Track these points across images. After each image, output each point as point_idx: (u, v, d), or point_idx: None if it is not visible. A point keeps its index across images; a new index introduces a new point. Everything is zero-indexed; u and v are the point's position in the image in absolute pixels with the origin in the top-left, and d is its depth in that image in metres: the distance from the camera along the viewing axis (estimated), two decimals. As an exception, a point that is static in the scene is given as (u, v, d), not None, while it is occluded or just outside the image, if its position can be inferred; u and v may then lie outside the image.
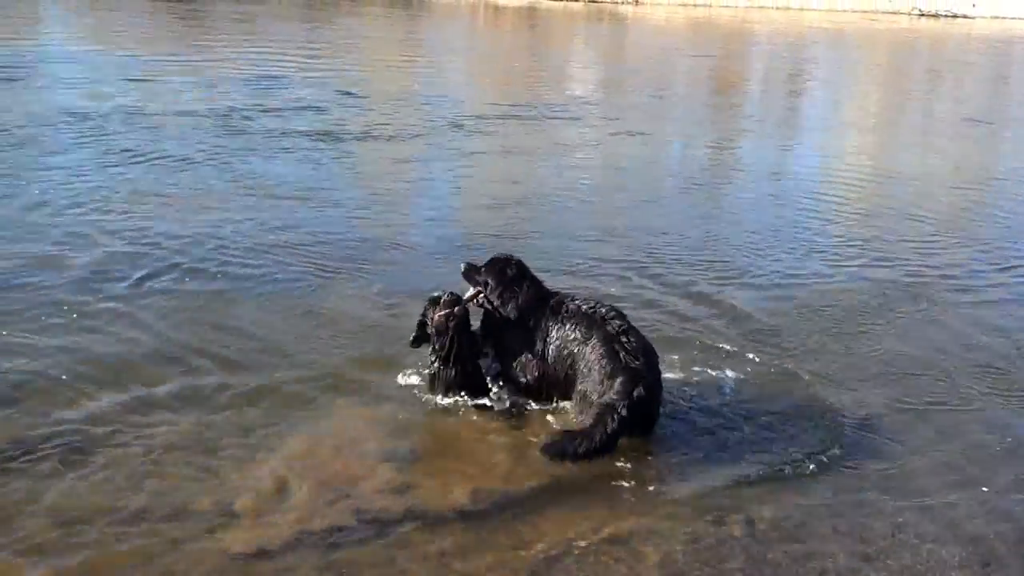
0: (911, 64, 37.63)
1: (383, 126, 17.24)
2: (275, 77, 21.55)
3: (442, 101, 20.17)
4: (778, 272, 10.60)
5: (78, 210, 11.26)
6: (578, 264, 10.34)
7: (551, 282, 7.56)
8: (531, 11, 48.02)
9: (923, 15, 55.85)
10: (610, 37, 41.12)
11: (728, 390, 7.59)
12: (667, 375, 7.10)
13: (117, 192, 12.12)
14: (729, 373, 7.80)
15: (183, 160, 13.87)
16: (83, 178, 12.64)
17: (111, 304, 8.59)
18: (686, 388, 7.53)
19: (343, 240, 10.80)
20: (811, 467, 6.57)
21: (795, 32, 44.67)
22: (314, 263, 9.98)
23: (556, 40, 38.51)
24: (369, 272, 9.80)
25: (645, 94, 23.99)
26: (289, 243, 10.53)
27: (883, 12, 55.70)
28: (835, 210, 13.63)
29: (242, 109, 17.63)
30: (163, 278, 9.30)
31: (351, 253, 10.37)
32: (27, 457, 6.14)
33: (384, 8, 42.97)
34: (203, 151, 14.45)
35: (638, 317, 7.80)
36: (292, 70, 22.83)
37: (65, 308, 8.38)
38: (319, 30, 33.29)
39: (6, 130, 14.96)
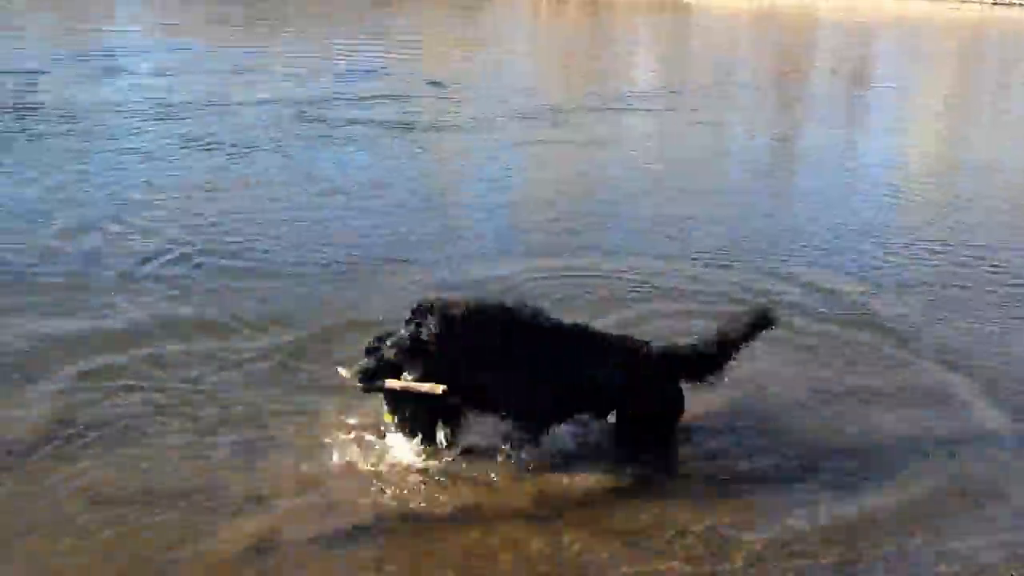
0: (985, 53, 36.66)
1: (455, 116, 17.24)
2: (353, 69, 21.69)
3: (512, 91, 20.15)
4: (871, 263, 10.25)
5: (142, 195, 11.39)
6: (649, 256, 10.10)
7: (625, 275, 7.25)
8: (593, 1, 47.66)
9: (996, 3, 54.47)
10: (674, 27, 40.65)
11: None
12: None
13: (182, 177, 12.28)
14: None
15: (251, 148, 14.00)
16: (152, 163, 12.86)
17: (158, 285, 8.67)
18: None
19: (398, 230, 10.65)
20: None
21: (863, 21, 43.81)
22: (365, 252, 9.87)
23: (620, 30, 38.15)
24: (422, 262, 9.63)
25: (712, 84, 23.65)
26: (340, 232, 10.47)
27: (955, 0, 54.42)
28: (911, 200, 13.18)
29: (320, 99, 17.73)
30: (207, 261, 9.33)
31: (404, 243, 10.24)
32: (70, 434, 6.19)
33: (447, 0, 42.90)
34: (273, 139, 14.57)
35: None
36: (370, 62, 22.96)
37: (114, 287, 8.51)
38: (391, 21, 33.35)
39: (86, 117, 15.33)
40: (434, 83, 20.24)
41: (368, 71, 21.45)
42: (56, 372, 6.93)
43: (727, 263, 9.97)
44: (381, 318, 7.37)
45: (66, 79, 18.62)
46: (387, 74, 21.26)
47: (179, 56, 22.54)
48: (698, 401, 6.56)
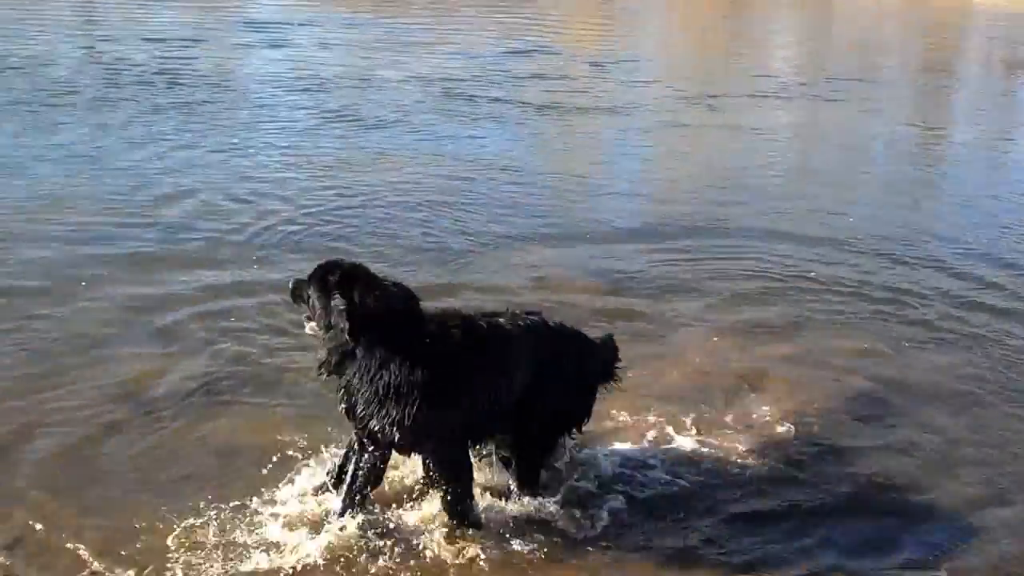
0: None
1: (604, 97, 17.18)
2: (509, 48, 21.77)
3: (662, 74, 20.23)
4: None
5: (277, 165, 11.68)
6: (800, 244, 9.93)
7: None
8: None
9: None
10: (815, 14, 39.58)
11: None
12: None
13: (319, 150, 12.54)
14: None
15: (391, 124, 14.18)
16: (291, 135, 13.19)
17: (290, 254, 8.81)
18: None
19: (515, 211, 10.64)
20: None
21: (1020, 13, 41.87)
22: (476, 231, 9.84)
23: (760, 16, 37.36)
24: (532, 245, 9.58)
25: (858, 73, 22.94)
26: (457, 208, 10.48)
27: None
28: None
29: (470, 78, 17.89)
30: (332, 231, 9.50)
31: (519, 223, 10.21)
32: (202, 393, 6.36)
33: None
34: (414, 116, 14.72)
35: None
36: (526, 41, 23.06)
37: (245, 253, 8.76)
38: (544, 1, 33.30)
39: (234, 86, 15.89)
40: (592, 64, 20.30)
41: (523, 51, 21.54)
42: (192, 333, 7.18)
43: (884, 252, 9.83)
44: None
45: (216, 49, 19.22)
46: (542, 53, 21.32)
47: (330, 30, 22.98)
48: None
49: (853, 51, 27.47)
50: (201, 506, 5.12)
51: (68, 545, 4.80)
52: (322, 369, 4.90)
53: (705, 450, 6.05)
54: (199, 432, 5.95)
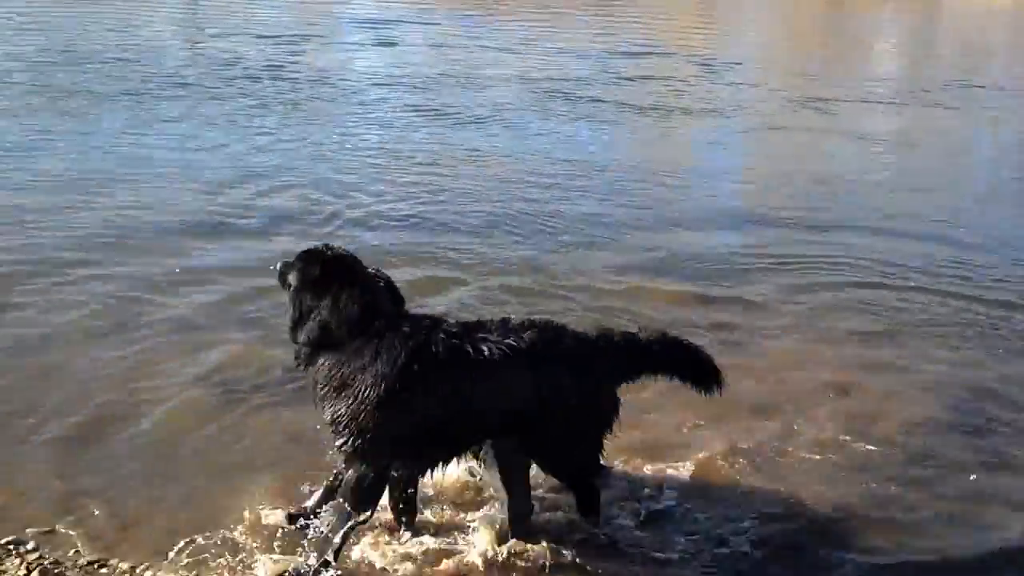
0: None
1: (708, 99, 17.03)
2: (619, 48, 21.76)
3: (772, 76, 19.93)
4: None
5: (372, 160, 11.80)
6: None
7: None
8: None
9: None
10: (922, 14, 38.57)
11: None
12: None
13: (412, 146, 12.62)
14: None
15: (487, 122, 14.23)
16: (388, 131, 13.34)
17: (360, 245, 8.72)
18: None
19: (607, 211, 10.51)
20: None
21: None
22: (564, 228, 9.78)
23: (860, 15, 36.57)
24: (621, 246, 9.47)
25: (965, 78, 22.27)
26: (547, 207, 10.39)
27: None
28: None
29: (576, 78, 17.85)
30: (408, 225, 9.55)
31: (610, 224, 10.08)
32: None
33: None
34: (512, 116, 14.73)
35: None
36: (638, 41, 23.06)
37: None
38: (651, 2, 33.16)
39: (337, 83, 16.16)
40: (697, 64, 20.18)
41: (629, 51, 21.49)
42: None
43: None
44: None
45: (324, 46, 19.61)
46: (648, 54, 21.25)
47: (440, 29, 23.22)
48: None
49: (964, 54, 26.65)
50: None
51: (159, 524, 4.91)
52: (299, 361, 4.68)
53: (782, 461, 5.87)
54: (279, 418, 6.00)
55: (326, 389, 4.51)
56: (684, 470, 5.61)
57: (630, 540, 4.97)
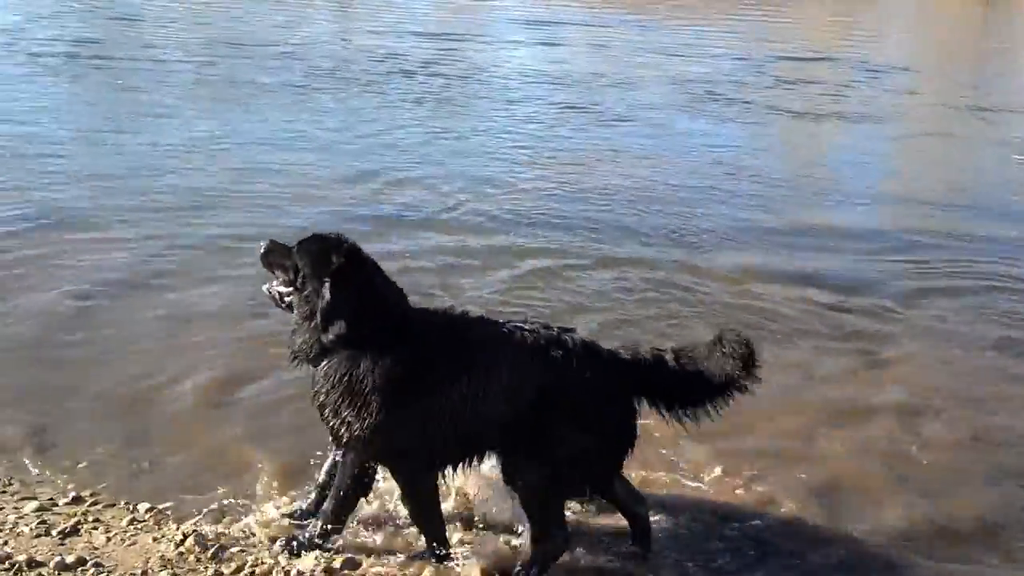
0: None
1: (862, 105, 16.56)
2: (782, 53, 21.40)
3: (921, 80, 19.37)
4: None
5: (504, 158, 11.87)
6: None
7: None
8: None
9: None
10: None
11: None
12: None
13: (559, 145, 12.68)
14: None
15: (635, 121, 14.25)
16: (536, 129, 13.41)
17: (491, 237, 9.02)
18: None
19: (746, 213, 10.37)
20: None
21: None
22: (701, 230, 9.67)
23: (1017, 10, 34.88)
24: (757, 249, 9.32)
25: None
26: (685, 207, 10.31)
27: None
28: None
29: (733, 80, 17.67)
30: (541, 220, 9.57)
31: (748, 226, 9.93)
32: None
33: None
34: (658, 115, 14.70)
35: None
36: (801, 45, 22.69)
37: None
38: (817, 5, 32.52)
39: (487, 83, 16.37)
40: (856, 68, 19.76)
41: (785, 55, 21.08)
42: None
43: None
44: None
45: (481, 45, 19.93)
46: (804, 59, 20.84)
47: (598, 31, 23.27)
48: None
49: None
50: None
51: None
52: (297, 358, 4.44)
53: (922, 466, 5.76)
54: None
55: (335, 385, 4.28)
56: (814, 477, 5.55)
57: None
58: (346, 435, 4.31)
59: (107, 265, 7.75)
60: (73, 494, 4.85)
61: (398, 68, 16.66)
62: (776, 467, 5.59)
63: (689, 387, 4.50)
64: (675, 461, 5.53)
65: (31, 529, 4.51)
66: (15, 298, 7.07)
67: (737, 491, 5.33)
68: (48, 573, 4.20)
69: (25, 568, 4.20)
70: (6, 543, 4.35)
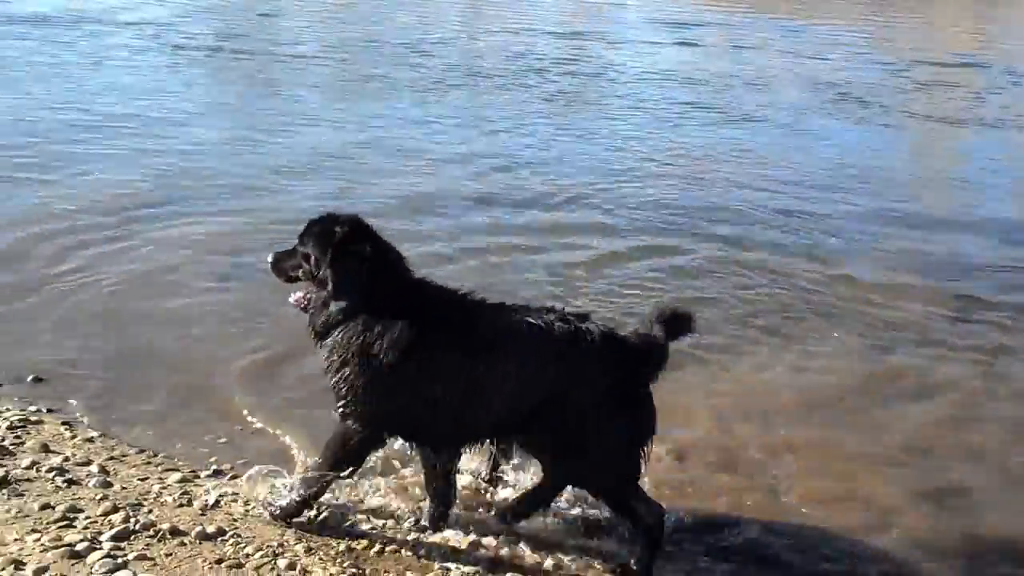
0: None
1: (1008, 112, 16.10)
2: (919, 57, 20.98)
3: None
4: None
5: (628, 155, 11.89)
6: None
7: None
8: None
9: None
10: None
11: None
12: None
13: (683, 143, 12.64)
14: None
15: (764, 121, 14.16)
16: (659, 127, 13.39)
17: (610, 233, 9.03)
18: None
19: (867, 217, 10.13)
20: None
21: None
22: (816, 229, 9.58)
23: None
24: (879, 252, 9.13)
25: None
26: (790, 208, 10.17)
27: None
28: None
29: (866, 84, 17.32)
30: (662, 218, 9.58)
31: (867, 229, 9.74)
32: None
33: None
34: (788, 116, 14.57)
35: None
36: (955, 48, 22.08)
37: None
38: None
39: (613, 80, 16.45)
40: (1004, 74, 19.17)
41: (932, 59, 20.61)
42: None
43: None
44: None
45: (610, 44, 19.94)
46: (951, 63, 20.26)
47: (733, 31, 23.06)
48: None
49: None
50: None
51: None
52: (318, 337, 4.45)
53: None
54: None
55: (342, 354, 4.31)
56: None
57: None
58: (351, 405, 4.34)
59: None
60: (214, 467, 5.07)
61: (530, 66, 16.80)
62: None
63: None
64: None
65: (174, 499, 4.73)
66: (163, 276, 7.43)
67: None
68: (189, 542, 4.39)
69: (168, 536, 4.40)
70: (151, 511, 4.57)
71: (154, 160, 10.25)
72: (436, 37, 19.44)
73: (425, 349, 4.25)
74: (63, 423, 5.45)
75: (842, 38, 22.83)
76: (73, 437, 5.31)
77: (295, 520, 4.57)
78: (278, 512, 4.57)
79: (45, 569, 4.08)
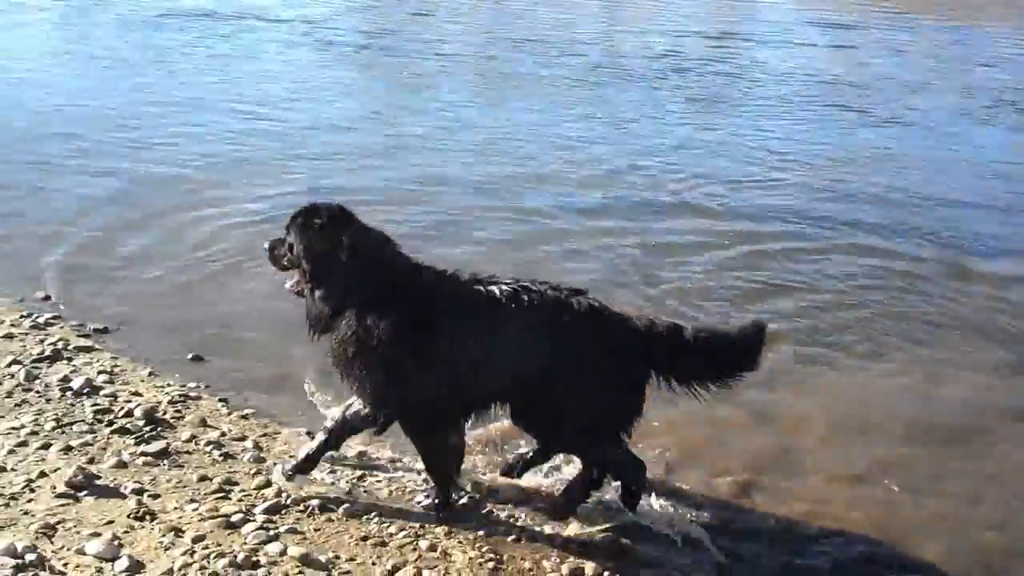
0: None
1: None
2: None
3: None
4: None
5: (763, 159, 11.61)
6: None
7: None
8: None
9: None
10: None
11: None
12: None
13: (817, 145, 12.38)
14: None
15: (912, 125, 13.67)
16: (793, 130, 13.09)
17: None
18: None
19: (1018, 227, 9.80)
20: None
21: None
22: (959, 235, 9.24)
23: None
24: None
25: None
26: (943, 211, 9.89)
27: None
28: None
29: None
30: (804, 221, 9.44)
31: (1014, 239, 9.37)
32: None
33: None
34: (938, 121, 14.03)
35: None
36: None
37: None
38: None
39: (757, 81, 16.16)
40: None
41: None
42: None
43: None
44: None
45: (759, 44, 19.62)
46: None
47: (897, 35, 22.39)
48: None
49: None
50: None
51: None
52: (314, 330, 4.56)
53: None
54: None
55: (341, 353, 4.44)
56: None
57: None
58: (357, 392, 4.51)
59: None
60: (360, 448, 5.24)
61: (673, 65, 16.70)
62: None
63: (701, 362, 4.55)
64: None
65: (323, 477, 4.92)
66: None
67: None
68: (336, 518, 4.59)
69: (317, 512, 4.61)
70: (302, 487, 4.77)
71: (298, 163, 10.53)
72: (581, 36, 19.47)
73: (421, 332, 4.36)
74: (220, 399, 5.73)
75: (1006, 42, 21.92)
76: (229, 413, 5.59)
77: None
78: (291, 470, 4.75)
79: (202, 538, 4.32)
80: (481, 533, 4.60)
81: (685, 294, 7.60)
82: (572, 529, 4.69)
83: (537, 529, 4.69)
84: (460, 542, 4.51)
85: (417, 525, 4.59)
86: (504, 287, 4.42)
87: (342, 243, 4.40)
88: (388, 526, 4.56)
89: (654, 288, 7.69)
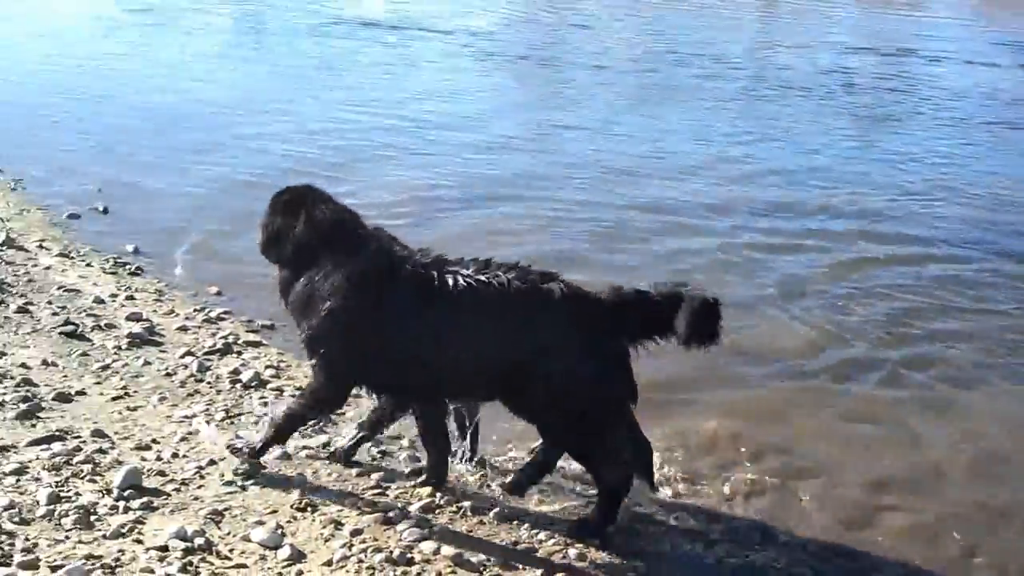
0: None
1: None
2: None
3: None
4: None
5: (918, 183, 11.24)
6: None
7: None
8: None
9: None
10: None
11: None
12: None
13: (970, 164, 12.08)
14: None
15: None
16: (964, 148, 12.82)
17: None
18: None
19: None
20: None
21: None
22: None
23: None
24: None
25: None
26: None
27: None
28: None
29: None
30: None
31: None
32: None
33: None
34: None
35: None
36: None
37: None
38: None
39: (929, 100, 15.62)
40: None
41: None
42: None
43: None
44: None
45: (930, 63, 18.95)
46: None
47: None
48: None
49: None
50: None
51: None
52: (283, 298, 4.78)
53: None
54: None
55: (297, 306, 4.62)
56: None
57: None
58: (310, 355, 4.65)
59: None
60: (511, 451, 5.32)
61: (840, 82, 16.35)
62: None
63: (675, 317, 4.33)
64: None
65: (476, 480, 5.05)
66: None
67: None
68: (488, 521, 4.68)
69: (469, 514, 4.72)
70: (453, 489, 4.91)
71: (448, 159, 10.97)
72: (743, 50, 19.27)
73: (367, 298, 4.47)
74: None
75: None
76: (386, 412, 5.73)
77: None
78: (245, 449, 4.85)
79: (360, 531, 4.45)
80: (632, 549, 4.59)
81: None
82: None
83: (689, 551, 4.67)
84: (609, 552, 4.53)
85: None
86: (461, 269, 4.44)
87: (300, 215, 4.66)
88: (537, 532, 4.61)
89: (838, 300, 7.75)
